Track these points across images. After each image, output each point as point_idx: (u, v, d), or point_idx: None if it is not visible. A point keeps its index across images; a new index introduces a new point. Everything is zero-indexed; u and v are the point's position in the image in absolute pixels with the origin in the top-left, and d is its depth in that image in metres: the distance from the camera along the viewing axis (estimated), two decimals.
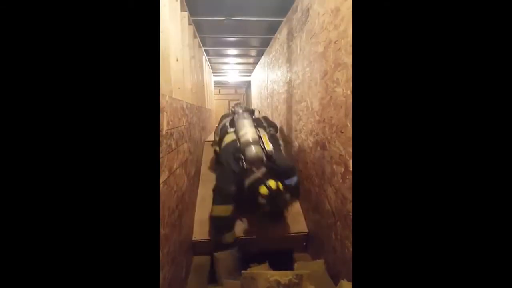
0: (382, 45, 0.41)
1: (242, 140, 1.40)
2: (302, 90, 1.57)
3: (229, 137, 1.53)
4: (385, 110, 0.42)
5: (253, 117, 1.64)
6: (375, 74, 0.42)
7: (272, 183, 1.13)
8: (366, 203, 0.42)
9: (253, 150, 1.30)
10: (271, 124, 1.74)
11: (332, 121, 1.11)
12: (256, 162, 1.27)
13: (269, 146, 1.33)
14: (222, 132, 1.64)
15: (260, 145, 1.35)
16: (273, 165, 1.28)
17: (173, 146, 1.10)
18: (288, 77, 1.94)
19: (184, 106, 1.43)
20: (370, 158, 0.43)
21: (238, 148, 1.38)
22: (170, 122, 1.05)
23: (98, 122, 0.39)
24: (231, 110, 1.78)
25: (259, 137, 1.40)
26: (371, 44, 0.43)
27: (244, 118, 1.55)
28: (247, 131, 1.42)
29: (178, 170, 1.18)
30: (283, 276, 0.69)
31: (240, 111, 1.66)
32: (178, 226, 1.13)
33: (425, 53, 0.40)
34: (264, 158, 1.30)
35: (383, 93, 0.42)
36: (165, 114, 0.96)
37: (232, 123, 1.59)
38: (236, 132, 1.51)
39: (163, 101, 0.95)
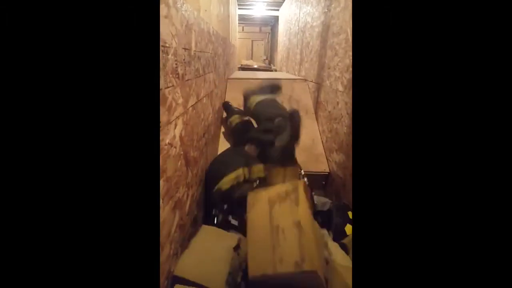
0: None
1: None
2: (343, 20, 1.37)
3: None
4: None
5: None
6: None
7: None
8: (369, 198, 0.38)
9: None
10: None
11: None
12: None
13: None
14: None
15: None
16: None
17: (201, 71, 1.04)
18: (326, 6, 1.70)
19: (211, 31, 1.32)
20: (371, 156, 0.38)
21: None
22: (198, 44, 0.97)
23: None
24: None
25: None
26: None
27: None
28: None
29: (204, 99, 1.15)
30: (282, 187, 0.78)
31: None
32: (205, 153, 1.16)
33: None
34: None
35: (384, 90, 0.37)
36: (193, 32, 0.88)
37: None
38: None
39: (192, 17, 0.86)
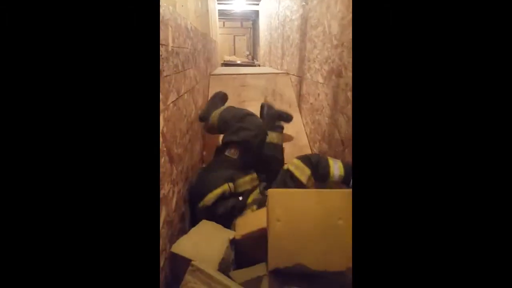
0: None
1: None
2: (320, 12, 1.40)
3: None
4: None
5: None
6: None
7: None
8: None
9: None
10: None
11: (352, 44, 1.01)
12: None
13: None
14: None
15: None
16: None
17: (180, 67, 1.04)
18: None
19: (189, 27, 1.30)
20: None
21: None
22: (176, 40, 0.97)
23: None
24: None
25: None
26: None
27: None
28: None
29: (186, 95, 1.15)
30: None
31: None
32: (190, 150, 1.16)
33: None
34: None
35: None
36: (170, 28, 0.87)
37: None
38: None
39: (168, 13, 0.85)
